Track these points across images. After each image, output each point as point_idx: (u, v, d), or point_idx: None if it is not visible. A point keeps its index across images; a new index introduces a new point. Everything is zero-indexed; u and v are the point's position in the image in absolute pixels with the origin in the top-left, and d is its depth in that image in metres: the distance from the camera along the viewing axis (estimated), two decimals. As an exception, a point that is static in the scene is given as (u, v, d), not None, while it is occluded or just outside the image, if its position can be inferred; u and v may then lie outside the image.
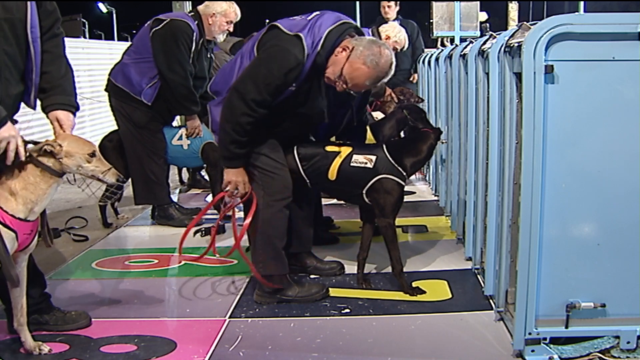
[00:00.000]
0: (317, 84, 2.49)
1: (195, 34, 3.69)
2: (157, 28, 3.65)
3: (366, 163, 2.66)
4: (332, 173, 2.66)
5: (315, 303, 2.62)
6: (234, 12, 3.85)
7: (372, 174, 2.66)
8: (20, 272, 2.16)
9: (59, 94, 2.20)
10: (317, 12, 2.52)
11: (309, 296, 2.64)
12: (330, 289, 2.74)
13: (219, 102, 2.57)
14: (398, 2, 5.85)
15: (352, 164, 2.66)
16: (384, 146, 2.73)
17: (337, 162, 2.67)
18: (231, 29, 3.92)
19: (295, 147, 2.69)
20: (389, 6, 5.79)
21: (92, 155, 2.11)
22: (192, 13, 3.81)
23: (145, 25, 3.78)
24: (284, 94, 2.44)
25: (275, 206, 2.58)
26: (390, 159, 2.68)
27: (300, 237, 2.92)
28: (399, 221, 2.80)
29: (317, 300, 2.64)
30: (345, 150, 2.69)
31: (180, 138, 3.91)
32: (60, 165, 2.05)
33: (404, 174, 2.70)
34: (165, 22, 3.65)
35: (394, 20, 5.66)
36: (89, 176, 2.13)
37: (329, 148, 2.72)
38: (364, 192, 2.68)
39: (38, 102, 2.21)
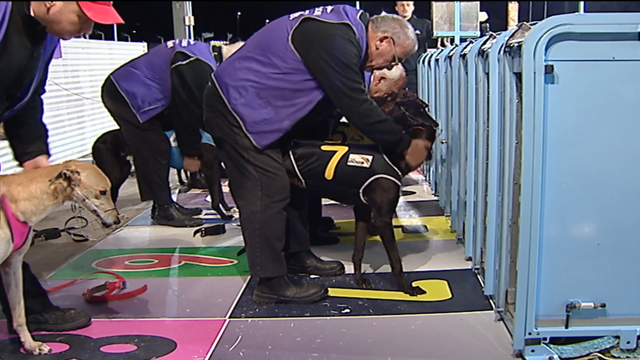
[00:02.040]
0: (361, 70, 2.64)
1: None
2: (181, 63, 3.63)
3: (363, 163, 2.66)
4: (329, 172, 2.66)
5: (315, 303, 2.62)
6: None
7: (369, 173, 2.65)
8: (16, 272, 2.17)
9: (41, 143, 2.28)
10: (331, 6, 2.58)
11: (308, 297, 2.63)
12: (330, 289, 2.74)
13: (245, 103, 2.52)
14: (413, 2, 5.82)
15: (349, 164, 2.66)
16: (380, 146, 2.73)
17: (334, 161, 2.66)
18: None
19: (290, 148, 2.69)
20: (407, 4, 5.74)
21: (103, 192, 2.13)
22: (216, 53, 3.79)
23: (165, 47, 3.76)
24: None
25: (274, 207, 2.57)
26: (386, 158, 2.67)
27: (298, 237, 2.92)
28: (398, 221, 2.80)
29: (315, 301, 2.63)
30: (342, 150, 2.69)
31: (175, 140, 3.91)
32: (71, 191, 2.08)
33: (399, 173, 2.70)
34: (191, 59, 3.64)
35: (408, 20, 5.64)
36: (91, 210, 2.15)
37: (325, 147, 2.71)
38: (360, 191, 2.68)
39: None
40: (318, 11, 2.55)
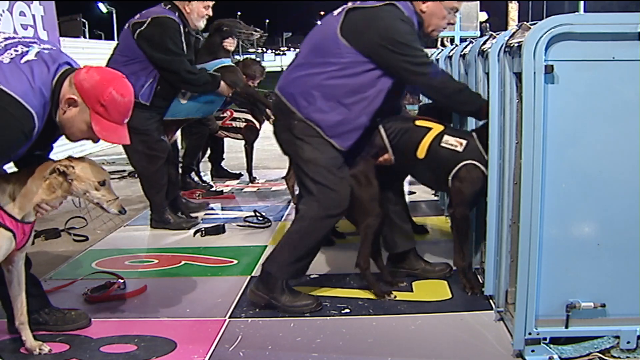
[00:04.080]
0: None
1: (180, 26, 3.65)
2: (141, 29, 3.59)
3: (456, 146, 2.54)
4: (422, 150, 2.54)
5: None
6: None
7: (459, 158, 2.53)
8: (19, 270, 2.17)
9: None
10: None
11: (297, 307, 2.55)
12: (330, 289, 2.75)
13: (316, 109, 2.48)
14: None
15: (442, 144, 2.54)
16: (475, 132, 2.61)
17: (429, 138, 2.55)
18: (210, 13, 3.83)
19: (380, 123, 2.59)
20: None
21: (102, 184, 2.12)
22: (169, 6, 3.71)
23: (125, 28, 3.74)
24: None
25: (325, 221, 2.53)
26: (480, 146, 2.52)
27: (404, 233, 2.84)
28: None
29: (304, 313, 2.54)
30: (437, 128, 2.57)
31: (185, 94, 3.88)
32: (68, 186, 2.07)
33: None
34: (147, 22, 3.60)
35: None
36: (94, 203, 2.15)
37: (419, 122, 2.61)
38: (450, 177, 2.55)
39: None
40: (357, 2, 2.51)
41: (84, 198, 2.13)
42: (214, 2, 3.82)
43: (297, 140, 2.52)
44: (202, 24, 3.84)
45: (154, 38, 3.58)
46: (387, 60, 2.43)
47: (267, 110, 4.89)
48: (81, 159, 2.15)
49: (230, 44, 4.18)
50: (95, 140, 2.09)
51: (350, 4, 2.52)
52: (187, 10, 3.71)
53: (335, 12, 2.54)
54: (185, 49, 3.69)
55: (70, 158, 2.12)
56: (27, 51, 1.98)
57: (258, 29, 4.39)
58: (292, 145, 2.55)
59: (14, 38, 2.06)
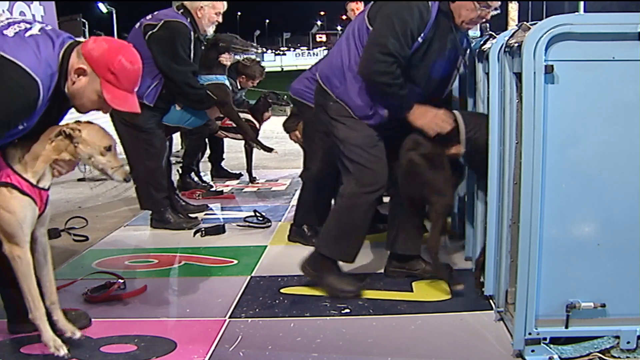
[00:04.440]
0: (442, 39, 2.54)
1: (191, 32, 3.66)
2: (152, 31, 3.59)
3: None
4: None
5: (315, 303, 2.61)
6: (221, 1, 3.79)
7: None
8: (44, 247, 2.18)
9: None
10: None
11: (339, 291, 2.64)
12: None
13: (346, 89, 2.56)
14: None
15: None
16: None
17: None
18: (220, 20, 3.84)
19: (455, 112, 2.59)
20: (357, 9, 4.75)
21: (108, 149, 2.12)
22: (182, 10, 3.71)
23: (135, 28, 3.72)
24: (413, 47, 2.48)
25: (362, 197, 2.59)
26: None
27: (413, 237, 2.85)
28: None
29: (345, 298, 2.61)
30: None
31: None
32: (74, 150, 2.08)
33: None
34: (159, 25, 3.60)
35: None
36: (98, 169, 2.14)
37: None
38: None
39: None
40: None
41: (89, 163, 2.13)
42: (225, 8, 3.84)
43: (332, 120, 2.63)
44: (211, 30, 3.86)
45: (164, 42, 3.59)
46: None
47: (250, 138, 4.94)
48: (88, 123, 2.15)
49: (226, 59, 4.19)
50: (106, 110, 2.10)
51: None
52: (199, 15, 3.72)
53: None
54: (192, 57, 3.70)
55: (78, 122, 2.13)
56: (31, 27, 2.00)
57: (255, 45, 4.41)
58: (329, 125, 2.66)
59: (16, 18, 2.08)
